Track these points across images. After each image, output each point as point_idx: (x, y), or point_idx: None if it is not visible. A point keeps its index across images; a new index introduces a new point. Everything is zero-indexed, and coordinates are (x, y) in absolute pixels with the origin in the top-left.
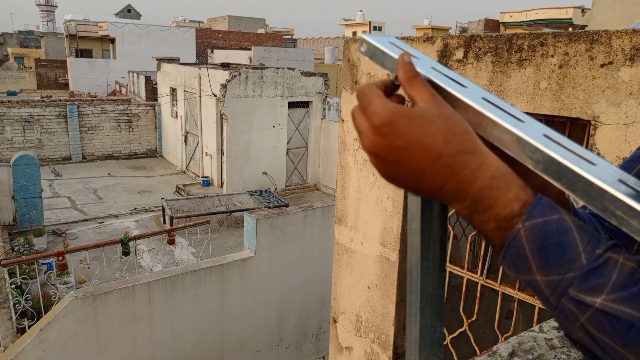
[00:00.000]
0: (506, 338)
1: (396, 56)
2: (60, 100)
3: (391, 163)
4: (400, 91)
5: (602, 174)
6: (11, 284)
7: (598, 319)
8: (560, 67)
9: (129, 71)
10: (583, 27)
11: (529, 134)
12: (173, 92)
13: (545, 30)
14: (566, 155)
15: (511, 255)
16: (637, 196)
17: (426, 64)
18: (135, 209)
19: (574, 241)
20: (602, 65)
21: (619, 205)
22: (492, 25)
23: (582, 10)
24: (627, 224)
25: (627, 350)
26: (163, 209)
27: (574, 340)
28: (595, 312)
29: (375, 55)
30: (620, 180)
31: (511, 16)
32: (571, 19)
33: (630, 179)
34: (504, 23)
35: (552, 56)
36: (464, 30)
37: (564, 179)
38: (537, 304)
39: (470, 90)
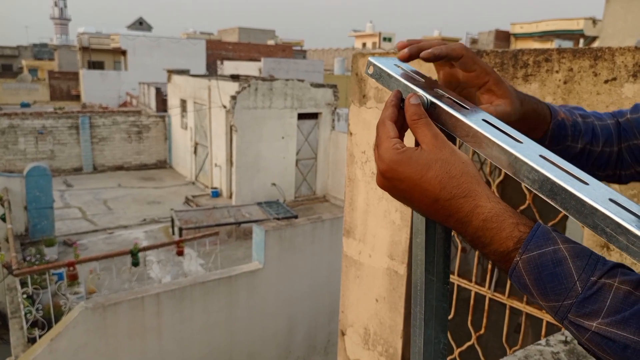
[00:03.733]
0: (514, 352)
1: (402, 79)
2: (73, 112)
3: (399, 199)
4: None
5: (594, 193)
6: (23, 293)
7: (596, 340)
8: (565, 82)
9: (139, 83)
10: (594, 38)
11: (526, 154)
12: (183, 103)
13: (556, 41)
14: (560, 175)
15: (515, 282)
16: (626, 214)
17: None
18: (144, 219)
19: (569, 270)
20: (606, 82)
21: (609, 222)
22: (503, 36)
23: (593, 22)
24: (616, 240)
25: None
26: (172, 220)
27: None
28: (593, 334)
29: (382, 77)
30: (611, 199)
31: (522, 27)
32: (582, 30)
33: (621, 198)
34: (514, 34)
35: (557, 72)
36: (474, 41)
37: (557, 197)
38: (545, 317)
39: (471, 112)
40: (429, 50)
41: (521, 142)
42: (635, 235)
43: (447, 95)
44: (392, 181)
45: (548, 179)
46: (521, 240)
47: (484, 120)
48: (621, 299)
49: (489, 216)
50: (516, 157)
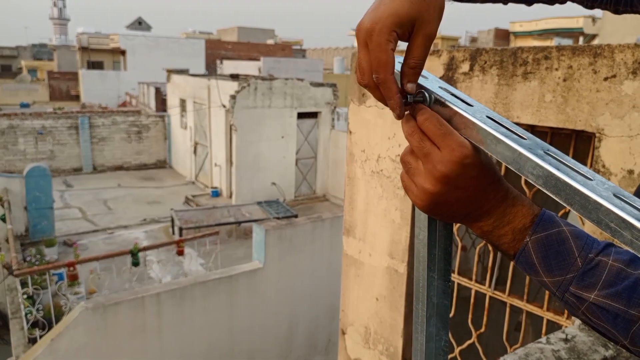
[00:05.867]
0: (515, 350)
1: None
2: (72, 112)
3: (454, 189)
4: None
5: (598, 188)
6: (23, 294)
7: (592, 310)
8: (564, 80)
9: (139, 82)
10: (594, 36)
11: (531, 151)
12: (182, 103)
13: (556, 39)
14: (565, 171)
15: (522, 263)
16: (630, 209)
17: (434, 83)
18: (144, 219)
19: (571, 249)
20: (606, 79)
21: (613, 217)
22: (502, 34)
23: (593, 20)
24: (620, 235)
25: (616, 331)
26: (172, 220)
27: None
28: (590, 304)
29: None
30: (615, 195)
31: (521, 26)
32: (582, 28)
33: (624, 193)
34: (514, 32)
35: (557, 69)
36: (473, 39)
37: (562, 192)
38: (546, 316)
39: (476, 109)
40: (411, 85)
41: (525, 139)
42: (639, 230)
43: (452, 92)
44: (467, 167)
45: (552, 174)
46: (535, 217)
47: (488, 117)
48: (614, 275)
49: (517, 194)
50: (520, 154)
